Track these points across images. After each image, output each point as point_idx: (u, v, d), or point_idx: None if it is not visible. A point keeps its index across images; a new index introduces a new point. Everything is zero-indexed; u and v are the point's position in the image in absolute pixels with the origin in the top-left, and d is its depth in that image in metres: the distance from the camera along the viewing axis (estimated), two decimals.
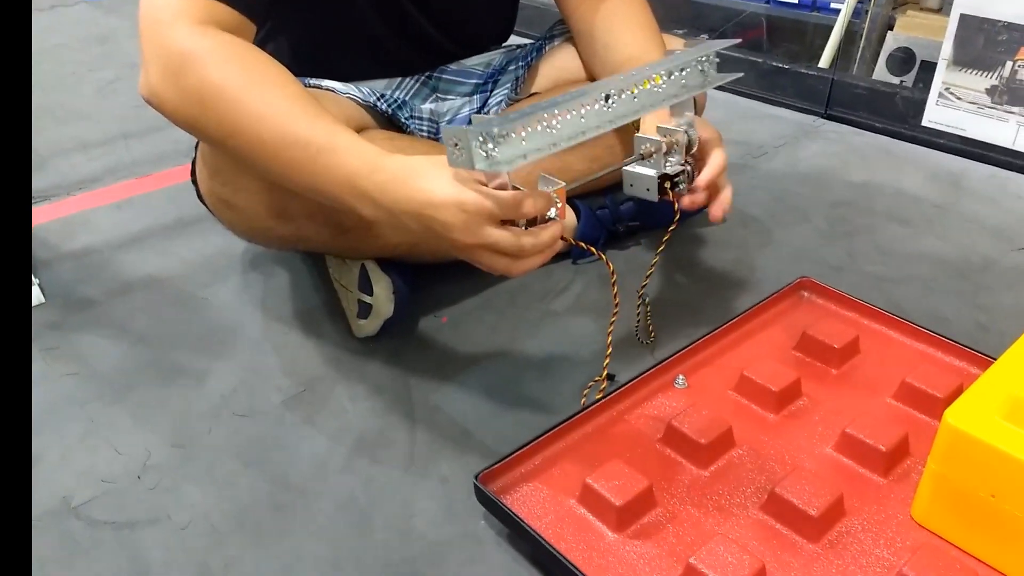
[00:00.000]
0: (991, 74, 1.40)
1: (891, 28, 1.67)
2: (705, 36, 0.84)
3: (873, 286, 1.07)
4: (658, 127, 0.85)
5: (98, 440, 0.84)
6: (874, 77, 1.67)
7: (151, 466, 0.81)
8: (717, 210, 0.87)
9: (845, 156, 1.46)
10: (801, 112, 1.65)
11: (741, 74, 0.84)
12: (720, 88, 1.74)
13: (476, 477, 0.72)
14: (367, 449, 0.82)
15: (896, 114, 1.52)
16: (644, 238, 1.18)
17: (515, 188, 0.70)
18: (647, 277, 0.94)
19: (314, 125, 0.74)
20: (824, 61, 1.71)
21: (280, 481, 0.79)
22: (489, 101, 1.13)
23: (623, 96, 0.74)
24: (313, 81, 0.94)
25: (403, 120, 1.02)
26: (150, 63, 0.76)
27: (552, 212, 0.73)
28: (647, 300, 0.97)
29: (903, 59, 1.65)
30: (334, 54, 1.00)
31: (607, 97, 0.73)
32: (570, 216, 1.10)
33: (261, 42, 1.02)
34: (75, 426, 0.86)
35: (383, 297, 0.92)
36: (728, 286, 1.08)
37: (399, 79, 1.07)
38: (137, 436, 0.84)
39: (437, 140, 1.06)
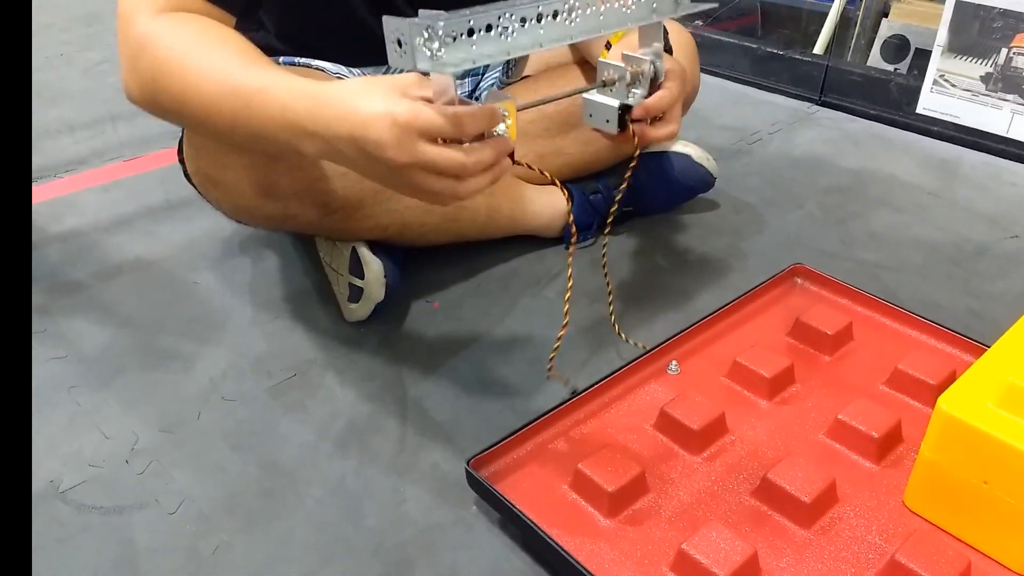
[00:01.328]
0: (986, 61, 1.39)
1: (886, 15, 1.66)
2: None
3: (866, 273, 1.07)
4: (624, 54, 0.79)
5: (85, 424, 0.83)
6: (869, 64, 1.67)
7: (139, 450, 0.80)
8: (649, 132, 0.82)
9: (839, 143, 1.46)
10: (795, 98, 1.64)
11: (715, 4, 0.79)
12: (714, 73, 1.74)
13: (468, 463, 0.71)
14: (358, 434, 0.81)
15: (890, 101, 1.52)
16: (638, 224, 1.17)
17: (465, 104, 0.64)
18: (616, 201, 0.90)
19: (248, 71, 0.71)
20: (819, 47, 1.70)
21: (270, 466, 0.78)
22: (480, 84, 1.12)
23: (588, 11, 0.68)
24: (302, 60, 0.93)
25: None
26: (121, 59, 0.78)
27: (501, 128, 0.67)
28: (610, 292, 0.94)
29: (898, 46, 1.65)
30: (322, 44, 0.98)
31: (570, 9, 0.66)
32: (563, 200, 1.09)
33: (246, 32, 1.00)
34: (62, 410, 0.85)
35: (374, 281, 0.91)
36: (721, 272, 1.07)
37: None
38: (125, 420, 0.83)
39: None
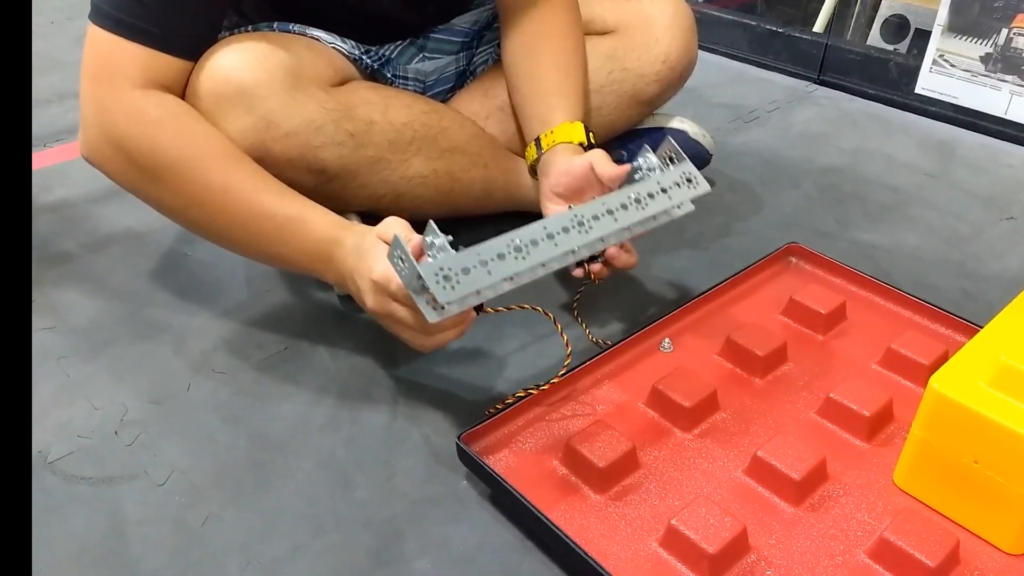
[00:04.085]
0: (986, 41, 1.38)
1: None
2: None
3: (861, 253, 1.07)
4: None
5: (75, 395, 0.82)
6: (868, 43, 1.66)
7: (128, 422, 0.79)
8: (604, 269, 0.87)
9: (837, 122, 1.45)
10: (794, 77, 1.63)
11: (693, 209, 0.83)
12: (713, 50, 1.73)
13: (459, 437, 0.71)
14: (349, 408, 0.81)
15: (889, 81, 1.51)
16: None
17: None
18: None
19: (282, 197, 0.79)
20: (818, 26, 1.69)
21: (260, 439, 0.78)
22: (475, 59, 1.10)
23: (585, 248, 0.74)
24: (298, 28, 0.92)
25: (387, 77, 1.00)
26: (90, 126, 0.79)
27: None
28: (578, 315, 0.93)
29: (898, 25, 1.63)
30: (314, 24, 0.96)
31: (572, 252, 0.72)
32: None
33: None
34: (51, 380, 0.84)
35: None
36: (716, 251, 1.07)
37: None
38: (114, 392, 0.83)
39: (422, 94, 1.03)
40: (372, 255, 0.72)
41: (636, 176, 0.80)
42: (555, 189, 0.89)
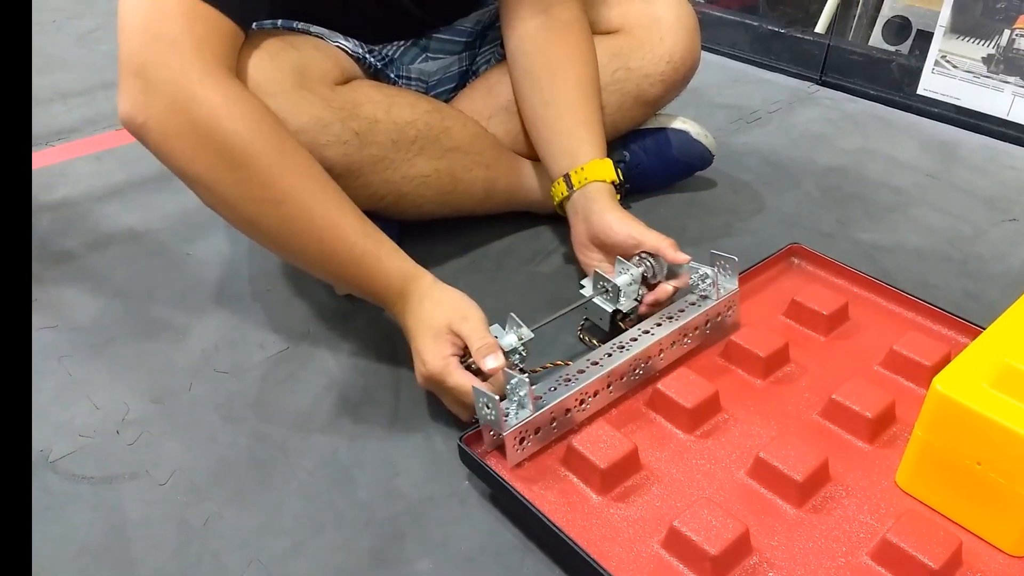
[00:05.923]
0: (988, 43, 1.38)
1: None
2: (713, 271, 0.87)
3: (863, 254, 1.06)
4: (618, 259, 0.86)
5: (76, 394, 0.82)
6: (870, 44, 1.65)
7: (130, 421, 0.79)
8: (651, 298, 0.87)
9: (839, 123, 1.45)
10: (796, 77, 1.63)
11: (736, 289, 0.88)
12: (715, 51, 1.73)
13: (461, 439, 0.71)
14: (351, 407, 0.81)
15: (891, 82, 1.51)
16: (634, 201, 1.16)
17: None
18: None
19: (363, 226, 0.78)
20: (820, 26, 1.69)
21: (261, 438, 0.77)
22: (477, 59, 1.10)
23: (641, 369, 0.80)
24: (301, 25, 0.91)
25: (391, 77, 1.00)
26: (157, 103, 0.70)
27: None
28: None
29: (899, 26, 1.63)
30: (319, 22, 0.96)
31: (622, 376, 0.78)
32: None
33: None
34: (52, 380, 0.84)
35: None
36: (718, 251, 1.06)
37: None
38: (115, 391, 0.83)
39: (425, 93, 1.03)
40: (428, 342, 0.74)
41: (691, 280, 0.86)
42: (597, 243, 0.91)
